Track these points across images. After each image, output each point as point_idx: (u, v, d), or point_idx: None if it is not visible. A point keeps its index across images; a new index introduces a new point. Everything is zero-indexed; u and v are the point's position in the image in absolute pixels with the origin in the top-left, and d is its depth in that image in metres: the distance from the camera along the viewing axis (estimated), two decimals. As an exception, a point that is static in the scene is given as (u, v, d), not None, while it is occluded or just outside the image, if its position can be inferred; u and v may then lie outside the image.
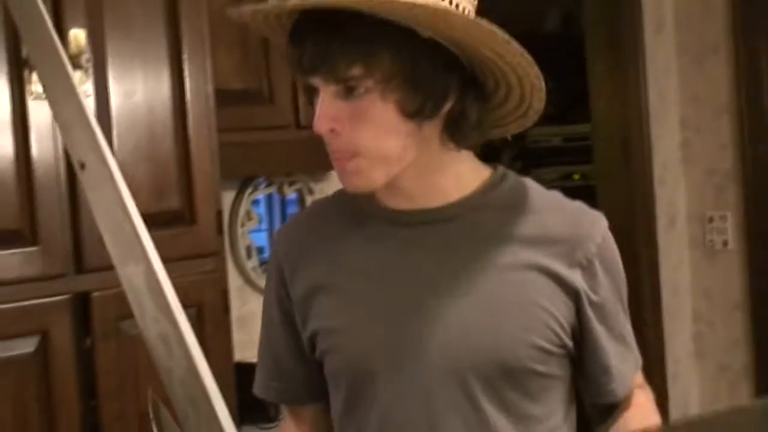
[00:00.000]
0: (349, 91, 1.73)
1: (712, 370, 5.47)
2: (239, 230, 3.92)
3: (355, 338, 1.89)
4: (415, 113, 1.75)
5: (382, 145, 1.76)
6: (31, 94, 2.60)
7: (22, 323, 2.60)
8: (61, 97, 1.28)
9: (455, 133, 1.81)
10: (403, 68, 1.71)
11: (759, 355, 5.46)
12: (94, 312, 2.71)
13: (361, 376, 1.90)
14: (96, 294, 2.71)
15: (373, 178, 1.79)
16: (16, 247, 2.59)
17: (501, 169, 1.93)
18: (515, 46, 1.71)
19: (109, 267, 2.66)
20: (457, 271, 1.85)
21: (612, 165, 5.48)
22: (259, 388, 2.14)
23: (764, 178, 5.43)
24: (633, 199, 5.41)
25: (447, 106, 1.77)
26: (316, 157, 3.65)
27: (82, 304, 2.69)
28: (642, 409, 2.02)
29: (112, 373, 2.73)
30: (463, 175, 1.89)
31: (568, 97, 6.31)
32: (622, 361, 1.96)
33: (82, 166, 1.27)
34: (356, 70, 1.70)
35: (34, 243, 2.62)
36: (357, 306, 1.90)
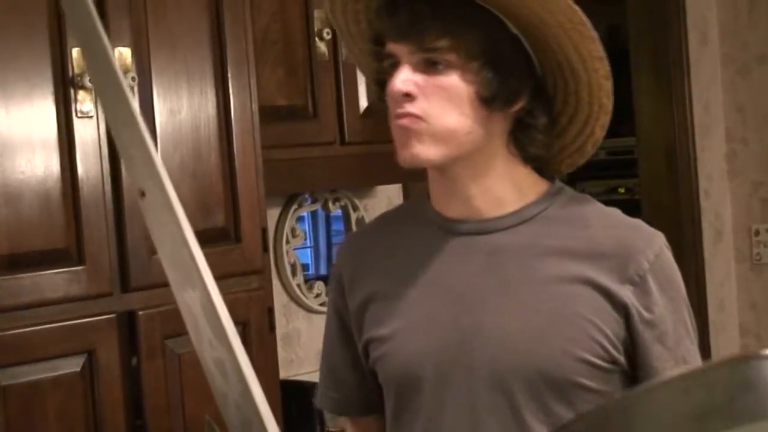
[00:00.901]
0: (431, 65, 1.78)
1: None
2: (284, 247, 3.92)
3: (403, 346, 1.91)
4: (488, 100, 1.79)
5: (449, 120, 1.79)
6: (78, 113, 2.60)
7: (68, 342, 2.60)
8: (122, 124, 1.30)
9: (522, 137, 1.84)
10: (486, 52, 1.76)
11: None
12: (140, 331, 2.71)
13: (409, 383, 1.92)
14: (142, 313, 2.71)
15: (429, 150, 1.80)
16: (63, 267, 2.59)
17: (559, 183, 1.94)
18: (598, 47, 1.78)
19: (155, 285, 2.72)
20: (505, 282, 1.86)
21: (657, 178, 5.46)
22: (318, 399, 2.17)
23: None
24: (678, 213, 5.39)
25: (518, 105, 1.81)
26: (361, 173, 3.72)
27: (128, 323, 2.70)
28: None
29: (159, 391, 2.73)
30: (521, 185, 1.90)
31: (613, 110, 6.28)
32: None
33: (142, 194, 1.29)
34: (443, 42, 1.76)
35: (80, 262, 2.62)
36: (406, 314, 1.91)
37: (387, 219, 2.11)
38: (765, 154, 5.50)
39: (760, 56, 5.48)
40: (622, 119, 5.78)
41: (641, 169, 5.57)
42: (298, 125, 3.42)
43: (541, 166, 1.93)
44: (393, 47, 1.81)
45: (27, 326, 2.54)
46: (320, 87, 3.48)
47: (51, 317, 2.58)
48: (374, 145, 3.55)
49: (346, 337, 2.06)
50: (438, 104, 1.78)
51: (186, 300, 1.27)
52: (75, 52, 2.58)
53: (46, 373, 2.57)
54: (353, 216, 4.13)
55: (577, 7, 1.75)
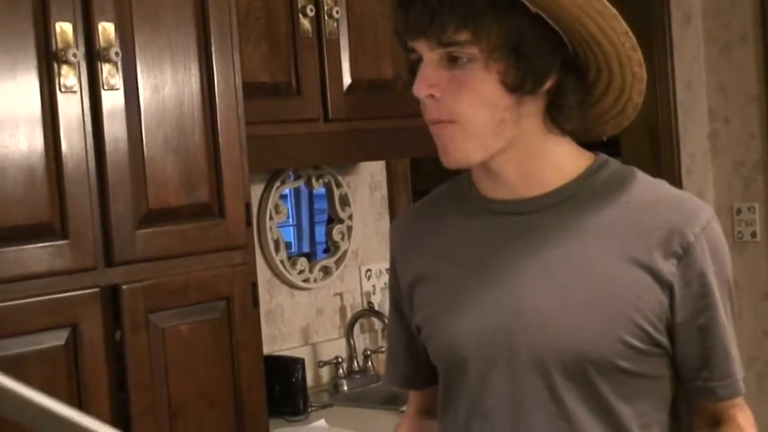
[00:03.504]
0: (452, 60, 1.75)
1: (743, 363, 5.45)
2: (267, 223, 3.93)
3: (448, 326, 1.92)
4: (516, 87, 1.76)
5: (479, 115, 1.77)
6: (62, 87, 2.59)
7: (52, 316, 2.60)
8: None
9: (557, 113, 1.83)
10: (509, 39, 1.73)
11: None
12: (123, 305, 2.70)
13: (454, 362, 1.93)
14: (126, 287, 2.71)
15: (468, 150, 1.79)
16: (46, 241, 2.59)
17: (602, 156, 1.92)
18: (621, 23, 1.75)
19: (139, 260, 2.72)
20: (546, 262, 1.85)
21: (640, 156, 5.46)
22: (384, 375, 2.27)
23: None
24: (661, 191, 5.39)
25: (547, 84, 1.79)
26: (344, 150, 3.72)
27: (111, 297, 2.69)
28: None
29: (143, 365, 2.73)
30: (562, 162, 1.88)
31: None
32: (723, 357, 1.90)
33: None
34: (463, 35, 1.72)
35: (63, 236, 2.61)
36: (451, 295, 1.92)
37: (433, 199, 2.07)
38: (747, 134, 5.51)
39: (742, 35, 5.50)
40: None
41: (624, 148, 5.57)
42: (281, 101, 3.42)
43: (584, 133, 1.93)
44: (413, 43, 1.80)
45: (11, 300, 2.54)
46: (303, 63, 3.48)
47: (35, 291, 2.58)
48: (357, 122, 3.57)
49: (399, 314, 2.10)
50: (466, 102, 1.76)
51: None
52: (59, 27, 2.58)
53: (30, 347, 2.57)
54: (336, 193, 4.14)
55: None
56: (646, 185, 1.91)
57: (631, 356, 1.81)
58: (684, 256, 1.82)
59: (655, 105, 5.42)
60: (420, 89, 1.77)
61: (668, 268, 1.81)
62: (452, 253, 1.94)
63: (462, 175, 1.99)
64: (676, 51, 5.47)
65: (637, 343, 1.81)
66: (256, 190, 3.86)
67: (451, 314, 1.91)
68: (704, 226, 1.85)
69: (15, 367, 2.50)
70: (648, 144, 5.44)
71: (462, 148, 1.79)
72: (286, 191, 4.00)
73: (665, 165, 5.41)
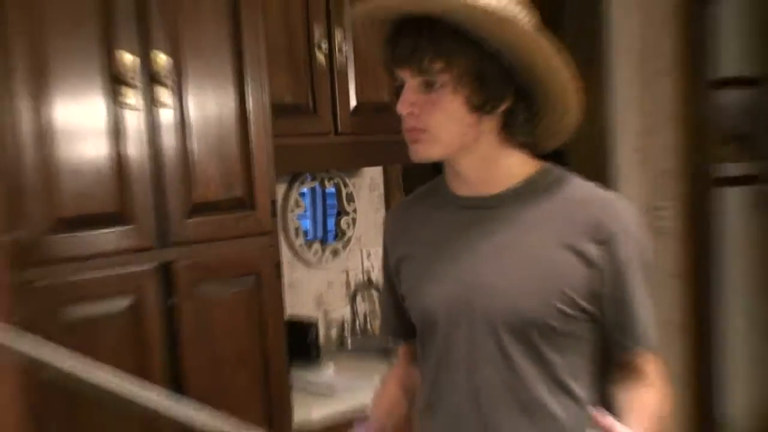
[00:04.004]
0: (429, 85, 1.79)
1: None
2: (289, 215, 3.91)
3: (423, 295, 1.96)
4: (477, 107, 1.80)
5: (446, 129, 1.81)
6: (124, 105, 2.58)
7: (118, 287, 2.60)
8: None
9: (509, 130, 1.86)
10: (473, 70, 1.77)
11: (691, 312, 5.47)
12: (176, 278, 2.70)
13: (428, 323, 1.96)
14: (177, 264, 2.71)
15: (431, 151, 1.84)
16: (114, 227, 2.59)
17: (548, 164, 1.95)
18: (562, 58, 1.79)
19: (188, 242, 2.68)
20: (498, 246, 1.88)
21: (584, 165, 5.41)
22: (379, 328, 2.35)
23: (699, 177, 5.44)
24: (597, 192, 5.40)
25: (503, 107, 1.82)
26: (350, 158, 3.71)
27: (165, 272, 2.69)
28: (652, 394, 1.93)
29: (190, 327, 2.73)
30: (512, 168, 1.90)
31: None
32: (637, 321, 1.91)
33: None
34: (437, 65, 1.76)
35: (128, 223, 2.61)
36: (426, 271, 1.96)
37: (416, 196, 2.11)
38: (666, 148, 5.52)
39: (662, 71, 5.50)
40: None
41: (572, 158, 5.56)
42: (300, 119, 3.41)
43: (532, 146, 1.94)
44: (398, 71, 1.84)
45: (87, 273, 2.54)
46: (318, 89, 3.46)
47: (105, 266, 2.58)
48: (361, 136, 3.58)
49: (390, 286, 2.14)
50: (435, 117, 1.80)
51: None
52: (123, 56, 2.56)
53: (103, 311, 2.57)
54: (344, 191, 4.13)
55: (536, 33, 1.77)
56: (581, 186, 1.93)
57: (561, 319, 1.84)
58: (607, 243, 1.85)
59: (594, 126, 5.40)
60: (402, 108, 1.82)
61: (595, 252, 1.84)
62: (428, 239, 1.98)
63: (439, 177, 2.02)
64: (611, 82, 5.46)
65: (566, 309, 1.84)
66: (281, 189, 3.86)
67: (425, 286, 1.95)
68: (626, 219, 1.89)
69: (91, 327, 2.53)
70: (589, 156, 5.42)
71: (426, 150, 1.84)
72: (304, 190, 3.98)
73: (603, 172, 5.41)
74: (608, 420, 1.70)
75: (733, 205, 5.87)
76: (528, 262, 1.85)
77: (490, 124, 1.84)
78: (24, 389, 2.33)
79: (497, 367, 1.87)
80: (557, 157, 5.69)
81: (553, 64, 1.80)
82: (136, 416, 2.35)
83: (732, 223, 5.81)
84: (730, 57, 5.84)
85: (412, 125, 1.82)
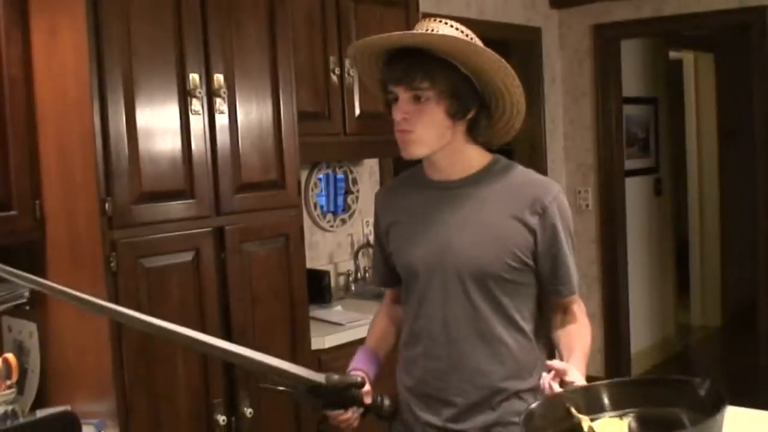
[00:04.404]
0: (417, 99, 1.79)
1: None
2: (310, 193, 3.90)
3: (407, 254, 1.95)
4: (453, 115, 1.81)
5: (430, 131, 1.81)
6: (192, 111, 2.57)
7: (185, 243, 2.59)
8: None
9: (473, 130, 1.86)
10: (451, 87, 1.78)
11: (605, 268, 5.48)
12: (226, 238, 2.69)
13: (411, 275, 1.95)
14: (227, 228, 2.69)
15: (419, 150, 1.83)
16: (182, 200, 2.58)
17: (498, 156, 1.94)
18: (517, 80, 1.80)
19: (236, 212, 2.68)
20: (463, 217, 1.87)
21: (524, 160, 5.45)
22: (370, 278, 2.31)
23: (610, 169, 5.44)
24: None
25: (470, 115, 1.83)
26: (355, 152, 3.71)
27: (219, 234, 2.67)
28: (581, 330, 1.94)
29: (236, 275, 2.72)
30: (473, 159, 1.90)
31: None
32: (564, 271, 1.91)
33: None
34: (425, 84, 1.77)
35: (192, 197, 2.60)
36: (409, 235, 1.94)
37: (400, 179, 2.09)
38: (584, 149, 5.52)
39: (583, 92, 5.49)
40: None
41: (516, 156, 5.56)
42: (319, 122, 3.40)
43: (488, 143, 1.94)
44: (393, 88, 1.82)
45: (162, 233, 2.53)
46: (332, 101, 3.45)
47: (175, 229, 2.56)
48: (363, 136, 3.57)
49: (380, 243, 2.09)
50: (422, 122, 1.80)
51: None
52: (191, 76, 2.56)
53: (172, 261, 2.55)
54: (350, 176, 4.11)
55: (502, 60, 1.77)
56: (522, 172, 1.93)
57: (510, 271, 1.86)
58: (543, 214, 1.85)
59: (533, 131, 5.40)
60: (398, 115, 1.82)
61: (533, 221, 1.85)
62: (410, 211, 1.96)
63: (417, 166, 2.00)
64: (546, 99, 5.46)
65: (514, 264, 1.85)
66: (303, 174, 3.84)
67: (409, 247, 1.94)
68: (555, 196, 1.88)
69: (164, 274, 2.52)
70: (529, 152, 5.42)
71: (415, 148, 1.83)
72: (321, 176, 3.97)
73: (538, 165, 5.41)
74: (560, 365, 1.70)
75: (634, 190, 5.89)
76: (485, 229, 1.85)
77: (461, 126, 1.84)
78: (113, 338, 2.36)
79: (462, 305, 1.87)
80: (508, 152, 5.70)
81: (510, 82, 1.80)
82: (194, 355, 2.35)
83: (634, 203, 5.83)
84: (633, 81, 5.86)
85: (405, 128, 1.81)
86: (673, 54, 6.64)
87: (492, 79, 1.79)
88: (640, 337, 5.82)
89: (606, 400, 1.57)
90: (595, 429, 1.48)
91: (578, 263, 1.99)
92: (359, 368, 1.98)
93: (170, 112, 2.53)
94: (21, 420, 2.39)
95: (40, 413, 2.43)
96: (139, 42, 2.44)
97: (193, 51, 2.58)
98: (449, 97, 1.79)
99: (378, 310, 2.23)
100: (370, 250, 4.11)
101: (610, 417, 1.52)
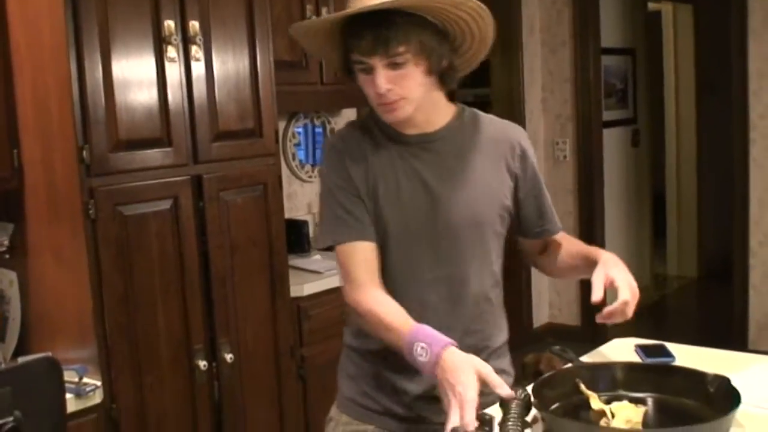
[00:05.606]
0: (394, 65, 1.66)
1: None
2: (288, 143, 3.92)
3: (398, 209, 1.76)
4: (430, 71, 1.71)
5: (416, 93, 1.70)
6: (167, 59, 2.58)
7: (163, 192, 2.61)
8: None
9: (446, 78, 1.77)
10: (424, 46, 1.66)
11: (582, 219, 5.55)
12: (204, 186, 2.71)
13: (397, 238, 1.77)
14: (205, 176, 2.72)
15: (408, 111, 1.71)
16: (159, 148, 2.60)
17: (461, 105, 1.87)
18: (490, 19, 1.71)
19: (213, 161, 2.71)
20: (447, 171, 1.77)
21: (502, 112, 5.48)
22: (330, 235, 1.81)
23: (587, 120, 5.48)
24: (513, 131, 5.43)
25: (443, 66, 1.73)
26: (332, 102, 3.74)
27: (197, 182, 2.70)
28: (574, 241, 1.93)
29: (215, 222, 2.74)
30: (443, 110, 1.81)
31: (478, 71, 6.27)
32: (549, 209, 1.89)
33: None
34: (401, 49, 1.63)
35: (169, 145, 2.62)
36: (393, 192, 1.77)
37: (361, 127, 1.85)
38: (562, 100, 5.55)
39: (561, 42, 5.51)
40: (484, 78, 5.83)
41: (493, 107, 5.59)
42: (296, 72, 3.41)
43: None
44: (365, 59, 1.66)
45: (140, 181, 2.55)
46: (309, 50, 3.45)
47: (154, 176, 2.58)
48: (341, 86, 3.55)
49: (358, 198, 1.78)
50: (407, 87, 1.68)
51: None
52: (166, 23, 2.56)
53: (151, 209, 2.58)
54: (328, 127, 4.13)
55: (479, 6, 1.68)
56: (489, 118, 1.87)
57: (502, 221, 1.81)
58: (523, 155, 1.83)
59: (511, 82, 5.43)
60: (381, 87, 1.67)
61: (516, 165, 1.81)
62: (390, 166, 1.79)
63: (365, 119, 1.85)
64: (524, 50, 5.47)
65: (504, 214, 1.81)
66: (282, 125, 3.86)
67: (397, 203, 1.77)
68: (527, 137, 1.86)
69: (143, 221, 2.54)
70: (507, 105, 5.45)
71: (405, 111, 1.71)
72: (300, 128, 3.99)
73: (516, 117, 5.43)
74: (606, 279, 1.65)
75: (612, 141, 5.94)
76: (475, 183, 1.78)
77: (435, 77, 1.76)
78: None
79: (458, 264, 1.78)
80: (486, 104, 5.68)
81: (485, 22, 1.72)
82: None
83: (611, 154, 5.88)
84: (611, 32, 5.88)
85: (392, 99, 1.69)
86: (652, 5, 6.66)
87: (465, 21, 1.72)
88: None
89: (616, 381, 1.60)
90: (612, 411, 1.49)
91: (556, 208, 1.96)
92: (448, 343, 1.60)
93: (146, 59, 2.54)
94: (2, 366, 2.43)
95: (22, 360, 2.47)
96: (114, -12, 2.45)
97: (169, -2, 2.59)
98: (425, 54, 1.70)
99: (373, 293, 1.74)
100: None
101: (626, 402, 1.53)
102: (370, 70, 1.67)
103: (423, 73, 1.69)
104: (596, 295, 1.63)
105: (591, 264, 1.72)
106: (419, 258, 1.76)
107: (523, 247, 1.96)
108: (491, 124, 1.85)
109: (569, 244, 1.91)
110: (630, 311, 1.64)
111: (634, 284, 1.67)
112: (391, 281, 1.75)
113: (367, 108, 1.89)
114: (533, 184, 1.85)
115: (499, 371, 1.74)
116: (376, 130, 1.81)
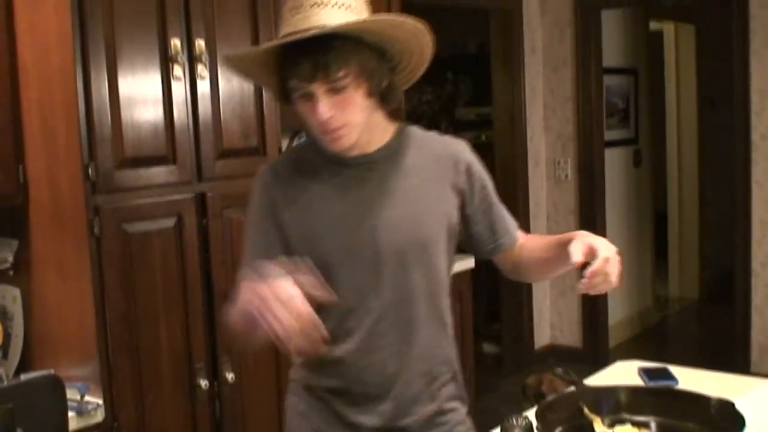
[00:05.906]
0: (335, 90, 1.59)
1: (557, 232, 5.58)
2: (290, 162, 3.92)
3: (326, 242, 1.70)
4: (371, 94, 1.65)
5: (359, 117, 1.64)
6: (174, 78, 2.60)
7: (168, 209, 2.62)
8: None
9: (387, 99, 1.71)
10: (364, 68, 1.62)
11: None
12: (208, 204, 2.71)
13: (332, 265, 1.68)
14: (209, 194, 2.72)
15: (353, 138, 1.66)
16: (165, 165, 2.61)
17: (402, 123, 1.80)
18: (428, 38, 1.66)
19: (217, 178, 2.71)
20: (391, 189, 1.72)
21: (503, 131, 5.50)
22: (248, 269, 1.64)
23: (589, 140, 5.50)
24: (515, 151, 5.44)
25: (383, 86, 1.68)
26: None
27: (201, 199, 2.70)
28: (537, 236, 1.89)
29: (218, 239, 2.74)
30: (382, 130, 1.76)
31: (480, 90, 6.29)
32: (501, 222, 1.84)
33: None
34: (341, 73, 1.58)
35: (174, 162, 2.63)
36: (329, 218, 1.71)
37: (297, 154, 1.83)
38: (564, 120, 5.57)
39: (563, 61, 5.53)
40: (486, 96, 5.85)
41: (495, 126, 5.61)
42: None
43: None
44: (304, 85, 1.59)
45: (144, 198, 2.56)
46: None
47: (158, 194, 2.60)
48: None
49: (276, 224, 1.74)
50: (349, 112, 1.62)
51: None
52: (172, 42, 2.58)
53: (155, 227, 2.59)
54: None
55: (418, 25, 1.63)
56: (430, 135, 1.82)
57: (447, 238, 1.75)
58: (468, 170, 1.78)
59: (513, 101, 5.44)
60: (323, 114, 1.60)
61: (461, 180, 1.77)
62: (330, 190, 1.72)
63: (301, 144, 1.84)
64: (526, 69, 5.49)
65: (452, 232, 1.76)
66: (285, 142, 3.86)
67: (328, 232, 1.71)
68: (470, 151, 1.81)
69: (146, 239, 2.55)
70: (508, 124, 5.47)
71: (349, 139, 1.65)
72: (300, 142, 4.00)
73: (517, 136, 5.45)
74: (585, 247, 1.61)
75: (614, 161, 5.95)
76: (416, 200, 1.72)
77: (376, 99, 1.69)
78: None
79: (401, 287, 1.71)
80: (487, 123, 5.67)
81: (425, 42, 1.67)
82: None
83: (613, 174, 5.89)
84: (613, 51, 5.90)
85: (335, 126, 1.62)
86: (653, 25, 6.69)
87: (404, 39, 1.65)
88: (618, 309, 5.89)
89: (619, 404, 1.60)
90: None
91: (559, 230, 1.90)
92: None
93: (152, 77, 2.55)
94: (5, 383, 2.44)
95: (24, 377, 2.48)
96: (121, 6, 2.46)
97: (175, 16, 2.60)
98: (366, 76, 1.63)
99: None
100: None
101: (629, 426, 1.54)
102: (310, 96, 1.61)
103: (363, 95, 1.64)
104: (575, 256, 1.58)
105: (568, 244, 1.65)
106: (366, 284, 1.70)
107: (496, 263, 1.91)
108: (433, 140, 1.81)
109: (538, 241, 1.85)
110: (614, 277, 1.60)
111: (614, 248, 1.62)
112: (338, 312, 1.68)
113: (299, 134, 1.80)
114: (482, 197, 1.80)
115: (457, 397, 1.75)
116: (315, 153, 1.75)
